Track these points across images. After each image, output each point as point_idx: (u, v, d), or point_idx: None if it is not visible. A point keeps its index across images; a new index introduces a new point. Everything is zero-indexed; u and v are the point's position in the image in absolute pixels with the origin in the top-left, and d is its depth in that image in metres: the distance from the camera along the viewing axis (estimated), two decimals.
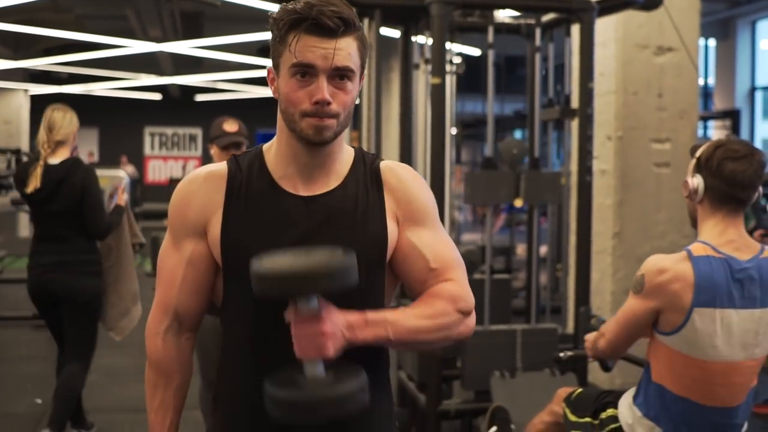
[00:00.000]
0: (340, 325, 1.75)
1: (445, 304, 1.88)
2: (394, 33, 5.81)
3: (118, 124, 21.96)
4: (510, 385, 4.66)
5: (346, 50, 1.81)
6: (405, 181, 1.96)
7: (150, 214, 17.34)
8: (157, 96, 20.81)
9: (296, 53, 1.80)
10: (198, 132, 22.27)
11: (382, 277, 1.95)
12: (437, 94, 4.73)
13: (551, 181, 5.04)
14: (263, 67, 15.67)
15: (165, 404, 2.00)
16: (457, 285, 1.92)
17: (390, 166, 1.99)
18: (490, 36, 5.11)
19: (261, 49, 14.02)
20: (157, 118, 22.35)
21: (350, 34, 1.83)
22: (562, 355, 3.39)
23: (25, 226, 17.56)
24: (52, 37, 13.50)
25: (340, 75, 1.82)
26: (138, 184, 21.29)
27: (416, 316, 1.86)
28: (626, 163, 6.39)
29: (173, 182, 17.04)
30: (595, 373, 5.89)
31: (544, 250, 7.10)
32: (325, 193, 1.91)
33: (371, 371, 1.79)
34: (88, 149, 23.40)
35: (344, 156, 1.97)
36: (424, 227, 1.95)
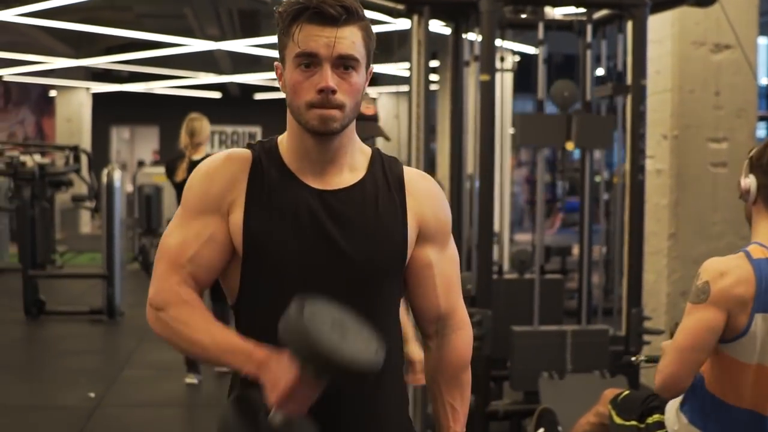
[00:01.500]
0: None
1: (467, 374, 2.04)
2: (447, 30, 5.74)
3: (178, 123, 22.02)
4: (558, 386, 4.59)
5: (349, 39, 1.80)
6: (431, 193, 1.97)
7: None
8: (216, 94, 20.94)
9: (299, 43, 1.78)
10: (257, 130, 22.30)
11: (399, 285, 1.96)
12: (486, 91, 4.67)
13: (603, 125, 4.95)
14: None
15: (209, 317, 1.84)
16: (465, 333, 2.02)
17: (416, 173, 1.99)
18: (540, 33, 5.03)
19: None
20: (216, 117, 22.29)
21: (354, 23, 1.81)
22: (633, 359, 3.25)
23: (86, 223, 17.83)
24: (112, 35, 13.68)
25: (344, 64, 1.79)
26: None
27: (463, 406, 2.03)
28: (682, 163, 6.26)
29: None
30: (649, 375, 5.78)
31: (600, 250, 7.01)
32: (345, 188, 1.88)
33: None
34: (151, 147, 23.68)
35: (357, 152, 1.94)
36: (440, 246, 1.96)
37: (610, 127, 4.98)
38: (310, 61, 1.78)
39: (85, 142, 18.26)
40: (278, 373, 1.69)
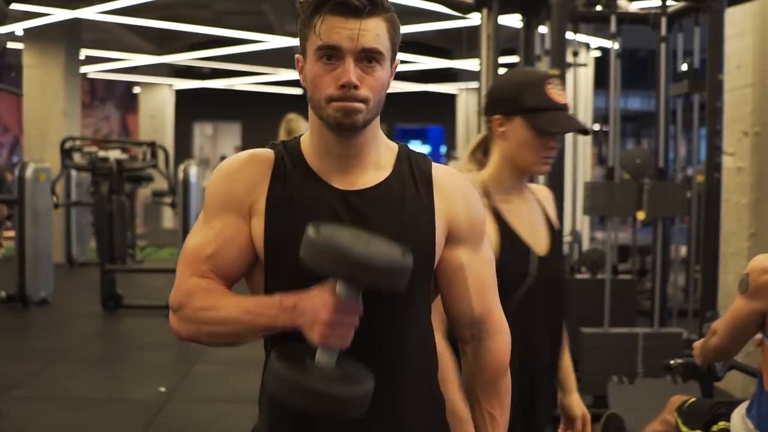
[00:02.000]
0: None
1: (506, 381, 1.95)
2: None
3: (260, 119, 22.24)
4: (628, 391, 4.46)
5: (373, 31, 1.71)
6: (462, 191, 1.87)
7: None
8: (297, 91, 21.04)
9: (321, 35, 1.70)
10: None
11: (428, 287, 1.87)
12: None
13: (677, 193, 4.81)
14: (401, 62, 15.67)
15: (232, 293, 1.78)
16: (502, 338, 1.93)
17: (446, 170, 1.88)
18: (613, 26, 4.89)
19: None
20: (297, 112, 22.50)
21: (378, 15, 1.72)
22: (672, 362, 3.19)
23: (168, 218, 18.08)
24: (193, 33, 13.83)
25: (368, 57, 1.71)
26: None
27: (503, 414, 1.95)
28: (764, 160, 6.04)
29: None
30: (727, 380, 5.60)
31: (682, 250, 6.82)
32: (370, 188, 1.80)
33: (415, 373, 1.77)
34: (233, 143, 23.90)
35: (383, 149, 1.85)
36: (473, 246, 1.88)
37: (683, 195, 4.83)
38: (331, 54, 1.70)
39: (168, 138, 18.53)
40: (312, 307, 1.62)
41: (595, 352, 4.60)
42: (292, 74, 18.09)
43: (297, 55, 1.81)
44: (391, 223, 1.77)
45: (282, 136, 6.60)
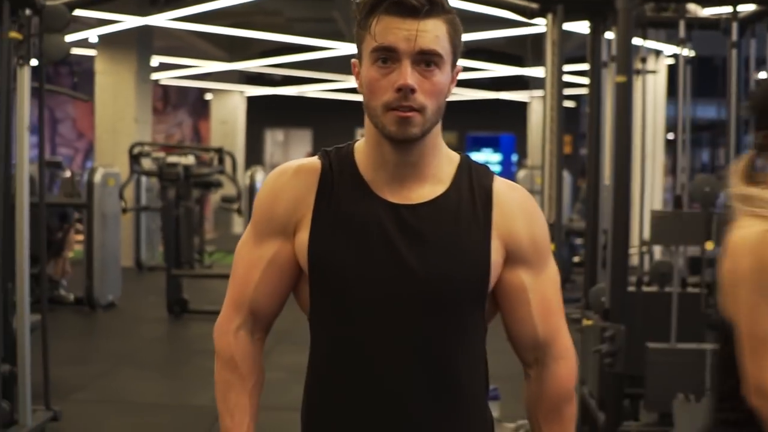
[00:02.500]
0: None
1: (570, 408, 1.85)
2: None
3: (330, 126, 22.31)
4: (694, 410, 4.29)
5: (432, 32, 1.62)
6: (523, 207, 1.76)
7: None
8: None
9: (377, 36, 1.62)
10: None
11: (482, 309, 1.76)
12: (622, 94, 4.42)
13: None
14: (470, 69, 15.57)
15: (241, 407, 1.82)
16: (566, 361, 1.82)
17: (508, 185, 1.78)
18: (682, 31, 4.74)
19: (467, 51, 13.89)
20: None
21: (438, 16, 1.64)
22: None
23: (238, 224, 18.16)
24: (264, 40, 13.89)
25: (426, 60, 1.62)
26: None
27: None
28: None
29: None
30: None
31: None
32: (425, 203, 1.71)
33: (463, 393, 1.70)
34: (304, 150, 23.98)
35: (443, 160, 1.76)
36: (535, 266, 1.77)
37: None
38: (387, 56, 1.62)
39: (239, 145, 18.64)
40: None
41: (660, 368, 4.45)
42: None
43: (353, 60, 1.74)
44: (442, 242, 1.69)
45: None
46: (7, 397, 4.91)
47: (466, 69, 15.35)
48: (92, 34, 12.35)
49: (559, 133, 4.76)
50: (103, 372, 6.77)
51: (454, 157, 1.78)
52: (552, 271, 1.80)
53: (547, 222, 4.73)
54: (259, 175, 9.67)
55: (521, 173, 13.78)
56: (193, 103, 21.83)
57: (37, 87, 5.13)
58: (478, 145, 21.54)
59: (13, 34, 4.79)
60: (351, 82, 18.52)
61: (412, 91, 1.60)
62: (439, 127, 1.72)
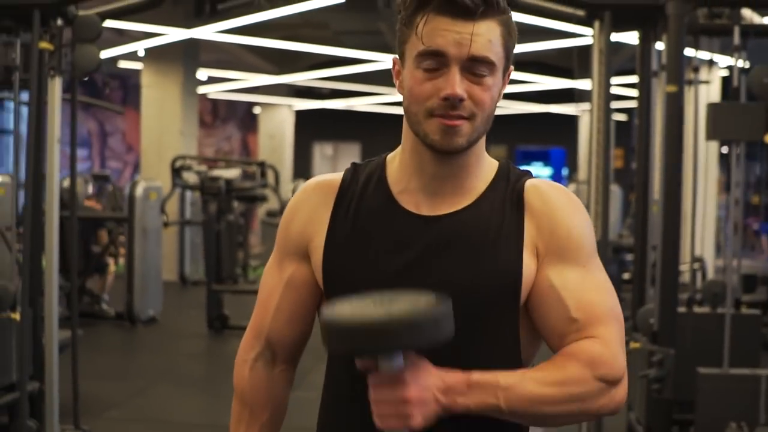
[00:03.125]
0: (433, 388, 1.40)
1: (581, 368, 1.45)
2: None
3: (379, 139, 22.19)
4: None
5: (485, 36, 1.46)
6: (553, 204, 1.55)
7: None
8: None
9: (423, 38, 1.46)
10: None
11: (515, 323, 1.54)
12: (673, 104, 4.21)
13: None
14: (520, 82, 15.34)
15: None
16: (603, 344, 1.47)
17: (537, 185, 1.58)
18: (736, 38, 4.50)
19: (515, 63, 13.68)
20: None
21: (492, 17, 1.47)
22: None
23: None
24: (311, 53, 13.81)
25: (477, 67, 1.46)
26: None
27: (539, 382, 1.44)
28: None
29: None
30: None
31: None
32: (452, 213, 1.55)
33: None
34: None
35: (484, 170, 1.60)
36: (571, 265, 1.52)
37: None
38: (435, 60, 1.46)
39: (287, 158, 18.60)
40: None
41: (712, 394, 4.21)
42: None
43: (394, 57, 1.59)
44: (469, 252, 1.52)
45: None
46: (36, 416, 4.81)
47: (515, 82, 15.13)
48: (139, 48, 12.32)
49: (605, 146, 4.54)
50: (140, 389, 6.64)
51: (493, 163, 1.63)
52: (595, 277, 1.52)
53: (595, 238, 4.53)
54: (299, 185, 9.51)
55: (571, 187, 13.53)
56: (242, 117, 21.84)
57: (79, 99, 5.05)
58: (528, 159, 21.28)
59: (44, 45, 4.70)
60: (399, 95, 18.36)
61: (461, 100, 1.46)
62: (484, 137, 1.57)
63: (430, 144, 1.49)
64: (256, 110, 20.11)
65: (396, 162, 1.61)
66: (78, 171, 15.98)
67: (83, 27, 4.77)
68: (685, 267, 6.45)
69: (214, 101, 20.88)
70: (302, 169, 21.03)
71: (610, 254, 4.81)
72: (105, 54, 12.77)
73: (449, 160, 1.53)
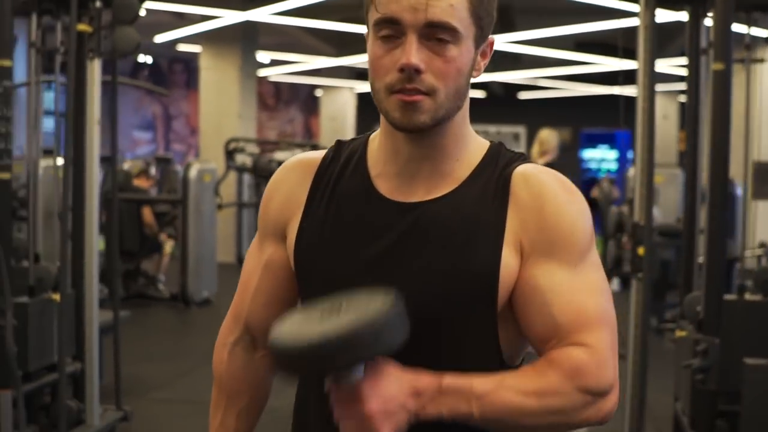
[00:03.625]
0: (400, 395, 1.31)
1: (563, 378, 1.34)
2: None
3: None
4: None
5: (445, 1, 1.33)
6: (542, 195, 1.41)
7: None
8: (480, 93, 20.71)
9: (379, 5, 1.36)
10: (521, 130, 21.90)
11: (492, 325, 1.41)
12: (720, 82, 4.05)
13: None
14: (583, 63, 15.08)
15: (225, 427, 1.67)
16: (590, 353, 1.35)
17: (526, 172, 1.43)
18: None
19: (578, 44, 13.47)
20: (480, 116, 22.17)
21: None
22: None
23: None
24: None
25: (437, 34, 1.34)
26: None
27: (517, 391, 1.33)
28: None
29: None
30: None
31: None
32: (429, 201, 1.43)
33: None
34: None
35: (468, 153, 1.46)
36: (560, 263, 1.39)
37: None
38: (391, 29, 1.36)
39: None
40: None
41: (759, 386, 4.04)
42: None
43: (366, 32, 1.46)
44: (443, 245, 1.40)
45: (535, 145, 7.52)
46: (78, 396, 4.83)
47: (579, 63, 14.86)
48: (197, 30, 12.37)
49: (649, 127, 4.39)
50: (185, 370, 6.66)
51: (481, 146, 1.49)
52: (590, 276, 1.40)
53: (636, 223, 4.41)
54: None
55: (632, 170, 13.28)
56: (304, 100, 21.87)
57: (120, 81, 5.05)
58: (593, 141, 20.94)
59: (83, 27, 4.69)
60: None
61: (417, 71, 1.34)
62: (464, 114, 1.45)
63: (392, 122, 1.39)
64: (318, 93, 20.10)
65: (376, 142, 1.51)
66: (141, 154, 16.25)
67: (122, 9, 4.75)
68: (751, 252, 6.25)
69: (277, 84, 20.92)
70: None
71: (653, 239, 4.64)
72: (164, 37, 12.92)
73: (421, 141, 1.42)
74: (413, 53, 1.33)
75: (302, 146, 11.45)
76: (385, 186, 1.46)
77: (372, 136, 1.54)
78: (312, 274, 1.48)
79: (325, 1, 10.49)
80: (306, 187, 1.52)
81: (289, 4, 10.61)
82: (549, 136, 7.53)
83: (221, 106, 12.52)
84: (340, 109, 18.84)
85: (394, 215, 1.43)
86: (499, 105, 21.25)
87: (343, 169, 1.51)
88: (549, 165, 6.92)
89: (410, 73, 1.34)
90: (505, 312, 1.41)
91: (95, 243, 4.83)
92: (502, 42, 13.40)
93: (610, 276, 5.26)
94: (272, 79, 19.42)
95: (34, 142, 4.80)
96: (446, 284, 1.39)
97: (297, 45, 15.59)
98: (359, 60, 16.47)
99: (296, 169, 1.56)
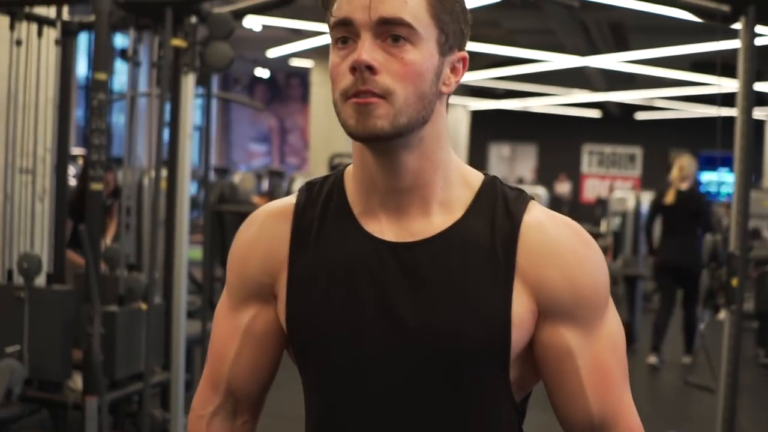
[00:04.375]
0: None
1: None
2: None
3: (556, 141, 21.85)
4: None
5: None
6: (562, 246, 1.33)
7: None
8: (595, 113, 20.41)
9: (334, 10, 1.28)
10: (637, 151, 21.49)
11: (503, 375, 1.35)
12: None
13: None
14: (699, 84, 14.71)
15: None
16: None
17: (540, 220, 1.34)
18: None
19: (694, 63, 13.14)
20: (594, 136, 21.92)
21: None
22: None
23: None
24: (484, 52, 13.67)
25: (391, 31, 1.25)
26: (567, 204, 21.05)
27: None
28: None
29: (599, 203, 16.50)
30: None
31: None
32: (426, 240, 1.33)
33: None
34: (530, 165, 23.60)
35: (455, 181, 1.37)
36: (583, 324, 1.34)
37: None
38: (346, 32, 1.27)
39: (461, 158, 18.48)
40: None
41: None
42: (586, 96, 17.54)
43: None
44: (446, 289, 1.31)
45: (674, 171, 7.73)
46: (165, 406, 4.90)
47: (692, 84, 14.48)
48: (308, 45, 12.52)
49: (746, 150, 4.22)
50: (277, 384, 6.63)
51: (474, 179, 1.39)
52: (610, 330, 1.36)
53: (731, 253, 4.21)
54: None
55: (756, 195, 12.83)
56: None
57: (215, 94, 5.11)
58: (712, 164, 20.38)
59: (177, 42, 4.78)
60: (576, 96, 18.03)
61: (371, 69, 1.24)
62: (437, 136, 1.36)
63: (348, 131, 1.27)
64: None
65: (351, 177, 1.39)
66: (256, 166, 16.50)
67: (217, 24, 4.82)
68: None
69: None
70: (478, 169, 20.87)
71: (746, 270, 4.45)
72: (277, 52, 13.11)
73: (390, 162, 1.31)
74: (364, 50, 1.24)
75: None
76: (371, 224, 1.36)
77: (346, 172, 1.42)
78: (307, 332, 1.38)
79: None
80: (285, 239, 1.41)
81: None
82: (689, 163, 7.75)
83: (331, 120, 12.61)
84: (453, 125, 18.79)
85: (390, 257, 1.33)
86: (614, 125, 20.93)
87: (323, 212, 1.39)
88: (688, 191, 7.63)
89: (362, 71, 1.24)
90: (516, 359, 1.35)
91: (185, 254, 4.90)
92: (616, 61, 13.18)
93: (703, 307, 5.06)
94: None
95: (132, 153, 4.92)
96: (455, 323, 1.30)
97: None
98: (472, 77, 16.43)
99: (268, 221, 1.44)
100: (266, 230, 1.43)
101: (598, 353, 1.34)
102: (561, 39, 12.79)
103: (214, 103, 20.12)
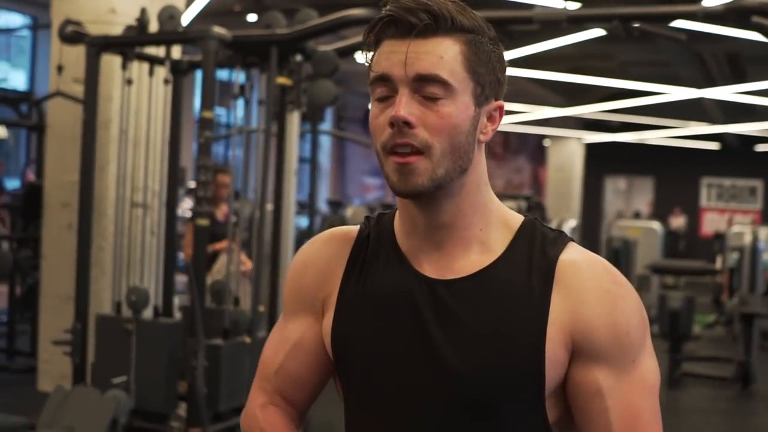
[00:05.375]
0: None
1: None
2: None
3: (672, 174, 21.40)
4: None
5: (434, 53, 1.28)
6: (598, 287, 1.33)
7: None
8: (713, 145, 19.95)
9: (373, 66, 1.32)
10: (758, 184, 20.89)
11: (535, 411, 1.34)
12: None
13: None
14: None
15: None
16: None
17: (575, 260, 1.35)
18: None
19: None
20: (713, 169, 21.40)
21: (447, 34, 1.29)
22: None
23: None
24: (598, 85, 13.55)
25: (427, 87, 1.27)
26: (684, 238, 20.56)
27: None
28: None
29: (717, 237, 16.07)
30: None
31: None
32: (464, 278, 1.35)
33: None
34: (646, 199, 23.17)
35: (494, 222, 1.39)
36: (616, 365, 1.33)
37: None
38: (385, 88, 1.30)
39: (575, 192, 18.33)
40: None
41: None
42: (704, 128, 17.18)
43: None
44: (483, 327, 1.32)
45: None
46: None
47: None
48: None
49: None
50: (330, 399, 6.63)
51: (514, 221, 1.40)
52: (644, 372, 1.35)
53: None
54: (570, 224, 9.28)
55: None
56: (532, 150, 21.82)
57: (321, 131, 5.20)
58: None
59: (282, 80, 4.88)
60: (692, 128, 17.64)
61: (408, 124, 1.27)
62: (477, 180, 1.37)
63: (391, 187, 1.31)
64: (546, 143, 19.98)
65: (398, 216, 1.43)
66: (370, 199, 16.64)
67: (321, 62, 4.91)
68: None
69: (506, 133, 20.96)
70: (593, 203, 20.66)
71: None
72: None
73: (429, 207, 1.34)
74: (402, 106, 1.26)
75: (514, 198, 11.36)
76: (415, 259, 1.39)
77: (398, 211, 1.45)
78: (350, 359, 1.41)
79: (550, 52, 10.43)
80: (343, 262, 1.45)
81: (514, 53, 10.62)
82: None
83: None
84: (568, 159, 18.64)
85: (431, 292, 1.36)
86: (734, 157, 20.40)
87: (375, 245, 1.43)
88: None
89: (400, 126, 1.27)
90: (553, 397, 1.35)
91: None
92: (733, 92, 12.89)
93: None
94: (501, 128, 19.43)
95: (247, 187, 5.03)
96: (491, 361, 1.31)
97: (525, 94, 15.59)
98: (587, 110, 16.28)
99: (331, 242, 1.48)
100: (328, 249, 1.48)
101: (629, 395, 1.33)
102: (676, 71, 12.57)
103: (328, 139, 20.48)
